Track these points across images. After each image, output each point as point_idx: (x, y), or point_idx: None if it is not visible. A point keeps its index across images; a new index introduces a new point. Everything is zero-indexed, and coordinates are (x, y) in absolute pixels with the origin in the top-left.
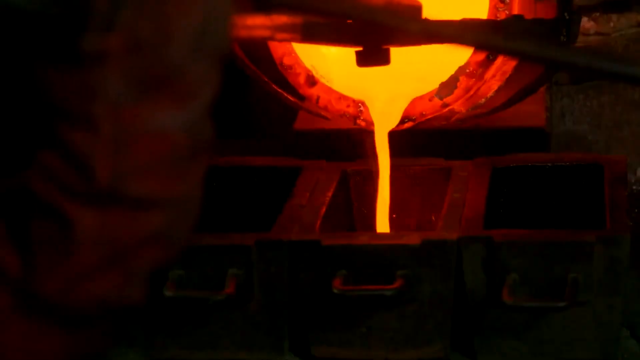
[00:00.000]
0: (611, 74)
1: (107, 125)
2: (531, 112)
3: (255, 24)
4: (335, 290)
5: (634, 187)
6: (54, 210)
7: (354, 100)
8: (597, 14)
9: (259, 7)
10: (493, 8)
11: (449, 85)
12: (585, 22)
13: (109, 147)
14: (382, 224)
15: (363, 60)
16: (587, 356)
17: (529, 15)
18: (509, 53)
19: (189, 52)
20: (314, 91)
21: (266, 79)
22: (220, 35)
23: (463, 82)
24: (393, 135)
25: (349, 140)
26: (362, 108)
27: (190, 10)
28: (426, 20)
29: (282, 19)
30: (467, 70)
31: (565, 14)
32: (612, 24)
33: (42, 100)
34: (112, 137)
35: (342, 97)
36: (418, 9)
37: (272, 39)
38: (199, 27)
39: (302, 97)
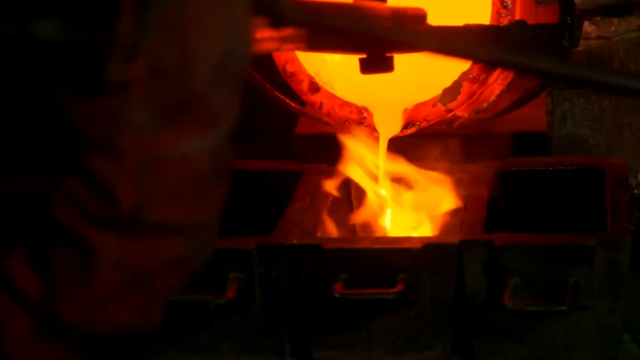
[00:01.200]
0: (628, 91)
1: (130, 152)
2: (532, 115)
3: (264, 37)
4: (336, 294)
5: (635, 191)
6: (76, 236)
7: (357, 107)
8: (598, 18)
9: (272, 24)
10: (495, 13)
11: (452, 91)
12: (587, 26)
13: (132, 174)
14: (384, 228)
15: (367, 67)
16: None
17: (530, 19)
18: (523, 70)
19: (212, 79)
20: (317, 98)
21: (269, 86)
22: (241, 60)
23: (466, 87)
24: (395, 140)
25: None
26: (365, 114)
27: (212, 37)
28: (440, 36)
29: (288, 30)
30: (470, 76)
31: (568, 19)
32: (613, 28)
33: (65, 127)
34: (136, 164)
35: (345, 104)
36: (423, 16)
37: (279, 50)
38: (222, 53)
39: (304, 104)
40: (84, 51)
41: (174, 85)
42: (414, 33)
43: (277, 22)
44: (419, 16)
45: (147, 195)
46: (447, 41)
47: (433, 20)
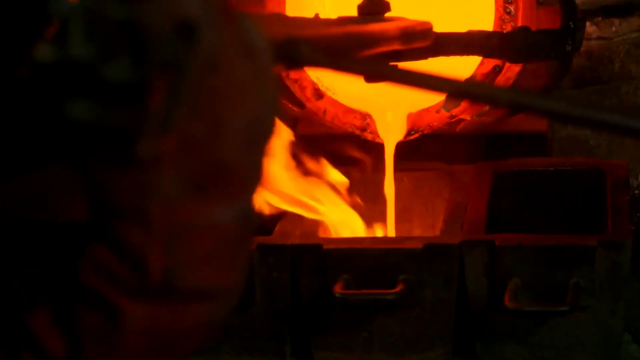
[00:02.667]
0: None
1: (160, 221)
2: (533, 116)
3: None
4: (337, 295)
5: (636, 192)
6: (103, 302)
7: (360, 113)
8: (599, 19)
9: (292, 67)
10: (498, 19)
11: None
12: (587, 27)
13: (162, 243)
14: (384, 229)
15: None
16: None
17: (531, 22)
18: (545, 114)
19: (242, 148)
20: (320, 104)
21: None
22: (269, 125)
23: None
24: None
25: (352, 146)
26: (368, 120)
27: (242, 107)
28: (461, 81)
29: None
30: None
31: (571, 23)
32: (614, 29)
33: (94, 197)
34: (165, 234)
35: (349, 110)
36: (429, 30)
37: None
38: (251, 121)
39: (304, 106)
40: (117, 130)
41: (204, 156)
42: (437, 80)
43: (296, 65)
44: (426, 31)
45: (176, 263)
46: (470, 87)
47: (437, 27)
